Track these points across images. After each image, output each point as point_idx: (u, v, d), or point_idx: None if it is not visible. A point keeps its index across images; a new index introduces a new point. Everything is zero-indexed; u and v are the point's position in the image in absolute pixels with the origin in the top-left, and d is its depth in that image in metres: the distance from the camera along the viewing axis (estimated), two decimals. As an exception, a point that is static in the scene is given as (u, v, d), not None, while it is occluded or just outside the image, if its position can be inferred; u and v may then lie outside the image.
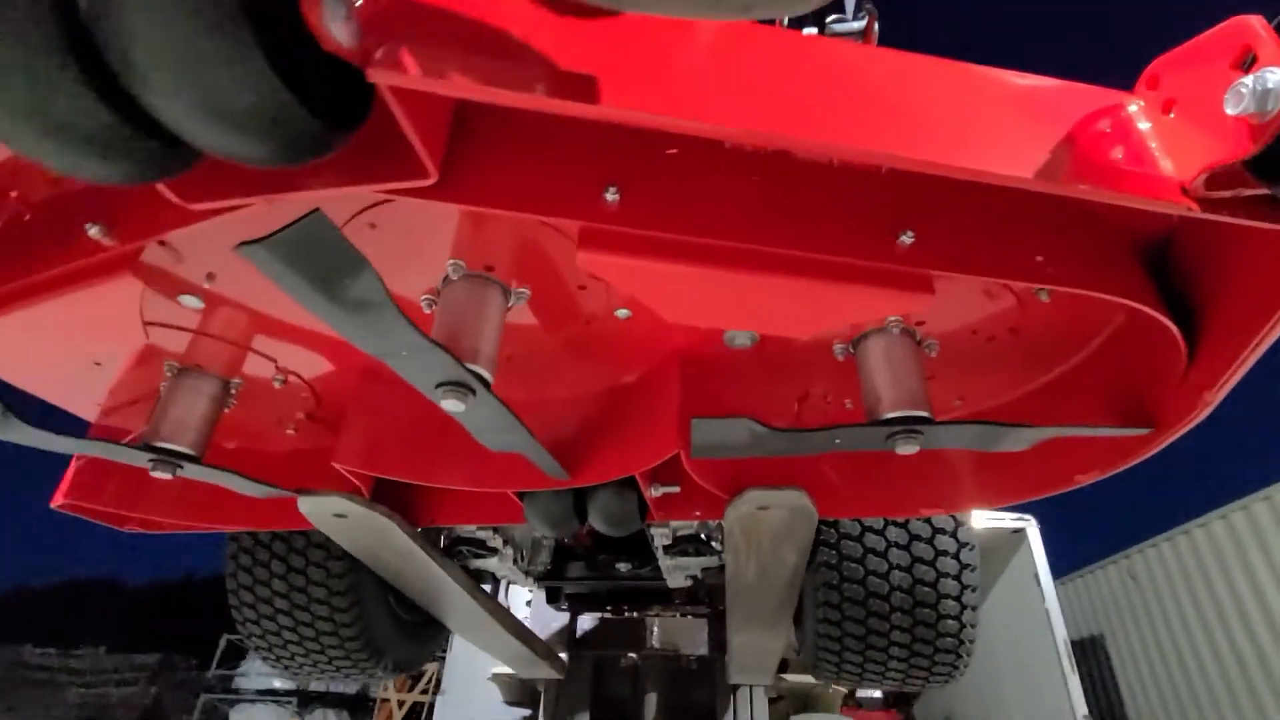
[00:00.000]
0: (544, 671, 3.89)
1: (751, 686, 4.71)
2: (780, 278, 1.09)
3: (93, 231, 1.08)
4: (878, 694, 10.39)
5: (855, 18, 2.66)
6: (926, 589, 2.61)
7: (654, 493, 1.82)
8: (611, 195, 1.00)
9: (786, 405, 1.71)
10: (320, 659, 2.86)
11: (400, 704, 16.76)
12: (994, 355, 1.51)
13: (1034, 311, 1.40)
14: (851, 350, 1.44)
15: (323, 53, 0.69)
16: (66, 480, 1.85)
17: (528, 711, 5.64)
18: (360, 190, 0.94)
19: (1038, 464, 1.55)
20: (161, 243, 1.23)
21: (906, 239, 1.05)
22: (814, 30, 2.68)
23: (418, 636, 3.12)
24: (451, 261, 1.30)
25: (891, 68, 0.96)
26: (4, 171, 1.15)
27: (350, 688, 18.91)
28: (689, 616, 4.94)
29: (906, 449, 1.28)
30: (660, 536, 2.54)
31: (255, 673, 19.03)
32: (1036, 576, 8.59)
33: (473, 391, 1.19)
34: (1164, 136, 0.89)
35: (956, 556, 2.63)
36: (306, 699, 18.46)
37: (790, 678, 5.50)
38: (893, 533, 2.62)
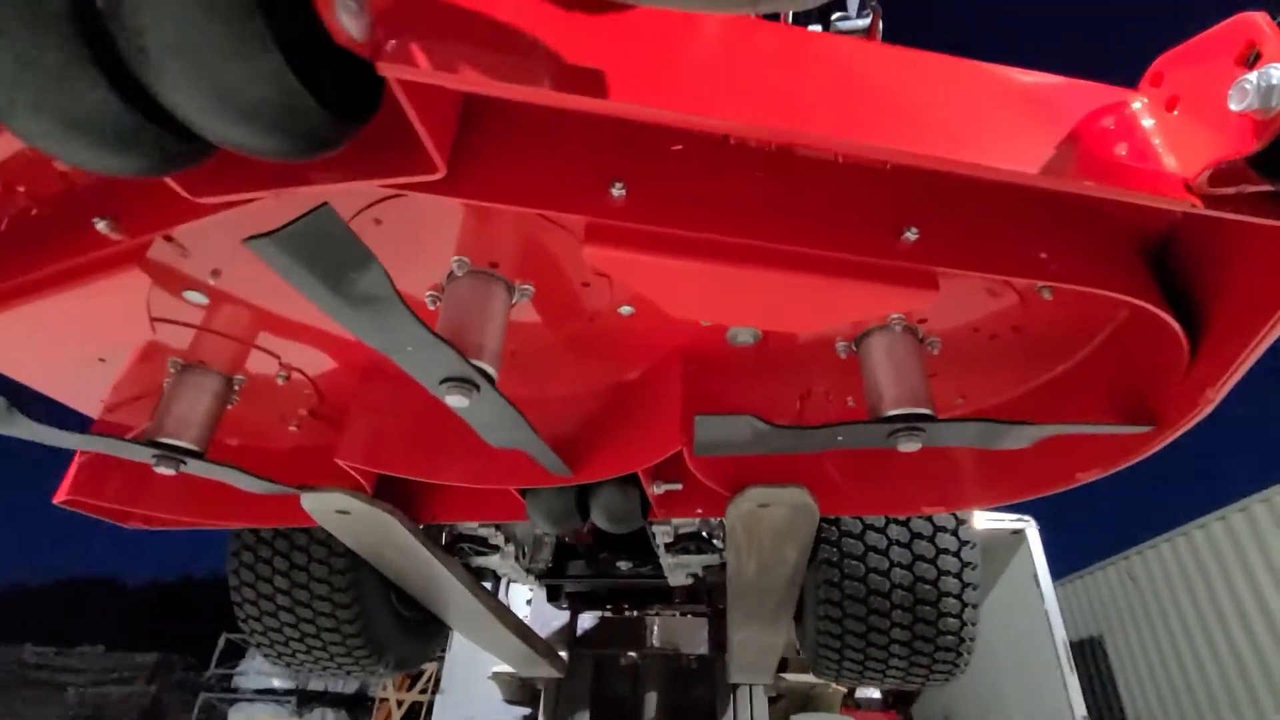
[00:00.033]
0: (544, 670, 3.90)
1: (751, 685, 4.71)
2: (785, 273, 1.10)
3: (100, 226, 1.09)
4: (876, 694, 10.41)
5: (859, 15, 2.67)
6: (927, 587, 2.61)
7: (656, 490, 1.83)
8: (618, 190, 1.00)
9: (788, 403, 1.71)
10: (322, 656, 2.86)
11: (399, 703, 16.75)
12: (996, 353, 1.52)
13: (1036, 309, 1.40)
14: (854, 348, 1.45)
15: (334, 46, 0.69)
16: (69, 477, 1.85)
17: (527, 710, 5.64)
18: (368, 185, 0.95)
19: (1039, 462, 1.55)
20: (167, 238, 1.24)
21: (911, 235, 1.06)
22: (818, 28, 2.69)
23: (419, 634, 3.12)
24: (456, 258, 1.30)
25: (896, 64, 0.97)
26: (11, 166, 1.15)
27: (349, 687, 18.93)
28: (689, 615, 4.94)
29: (908, 446, 1.28)
30: (662, 534, 2.55)
31: (254, 672, 19.06)
32: (1036, 577, 8.60)
33: (477, 387, 1.20)
34: (1168, 133, 0.90)
35: (958, 555, 2.63)
36: (305, 698, 18.47)
37: (790, 677, 5.50)
38: (894, 530, 2.63)
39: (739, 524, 1.79)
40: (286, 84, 0.65)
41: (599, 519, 2.02)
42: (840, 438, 1.34)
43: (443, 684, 8.61)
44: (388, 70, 0.75)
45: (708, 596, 4.58)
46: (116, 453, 1.52)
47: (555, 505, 1.97)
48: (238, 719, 18.01)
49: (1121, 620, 11.50)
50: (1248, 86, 0.78)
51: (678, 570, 2.92)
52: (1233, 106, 0.80)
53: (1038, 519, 8.98)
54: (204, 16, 0.59)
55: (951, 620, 2.67)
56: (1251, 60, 0.80)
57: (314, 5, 0.66)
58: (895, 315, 1.35)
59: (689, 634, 4.93)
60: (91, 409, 1.73)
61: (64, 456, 1.84)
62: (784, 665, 5.25)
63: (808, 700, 5.92)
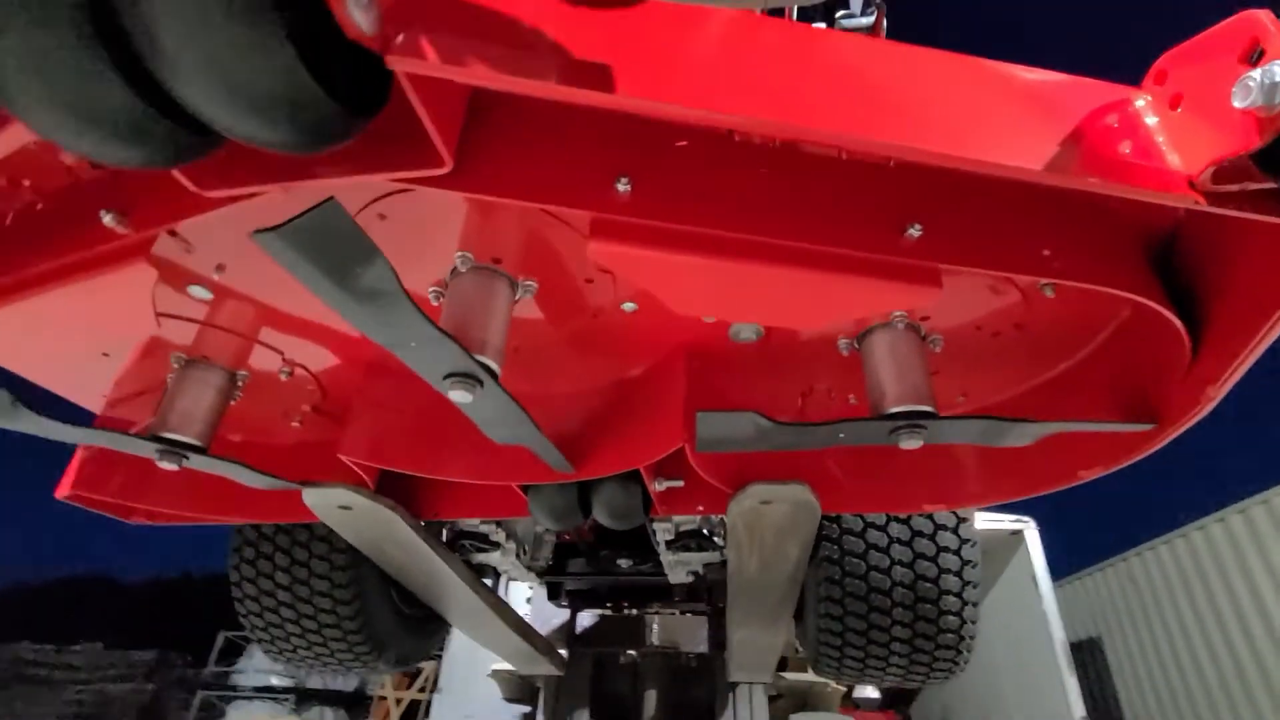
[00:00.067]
0: (544, 668, 3.90)
1: (751, 684, 4.72)
2: (789, 269, 1.10)
3: (107, 219, 1.09)
4: (875, 694, 10.42)
5: (864, 13, 2.68)
6: (928, 585, 2.62)
7: (658, 486, 1.83)
8: (623, 186, 1.01)
9: (791, 400, 1.71)
10: (323, 652, 2.87)
11: (397, 701, 16.75)
12: (998, 351, 1.52)
13: (1039, 307, 1.40)
14: (856, 345, 1.45)
15: (344, 39, 0.70)
16: (71, 471, 1.86)
17: (526, 708, 5.64)
18: (375, 179, 0.95)
19: (1041, 460, 1.55)
20: (172, 233, 1.24)
21: (915, 232, 1.06)
22: (823, 26, 2.70)
23: (419, 631, 3.13)
24: (459, 253, 1.31)
25: (901, 61, 0.97)
26: (17, 161, 1.16)
27: (347, 685, 18.93)
28: (689, 614, 4.95)
29: (910, 443, 1.28)
30: (663, 531, 2.55)
31: (252, 670, 19.06)
32: (1035, 578, 8.62)
33: (480, 383, 1.20)
34: (1171, 131, 0.90)
35: (958, 553, 2.64)
36: (304, 696, 18.47)
37: (789, 676, 5.51)
38: (895, 528, 2.63)
39: (740, 521, 1.80)
40: (299, 78, 0.66)
41: (601, 515, 2.02)
42: (842, 435, 1.34)
43: (441, 683, 8.63)
44: (397, 63, 0.75)
45: (708, 595, 4.59)
46: (120, 447, 1.53)
47: (557, 502, 1.98)
48: (236, 717, 18.01)
49: (1120, 621, 11.51)
50: (1251, 84, 0.78)
51: (678, 568, 2.92)
52: (1236, 104, 0.80)
53: (1037, 520, 8.99)
54: (217, 11, 0.60)
55: (952, 618, 2.68)
56: (1255, 58, 0.80)
57: None
58: (898, 313, 1.35)
59: (689, 632, 4.93)
60: (94, 404, 1.73)
61: (61, 455, 1.85)
62: (783, 664, 5.27)
63: (807, 699, 5.93)
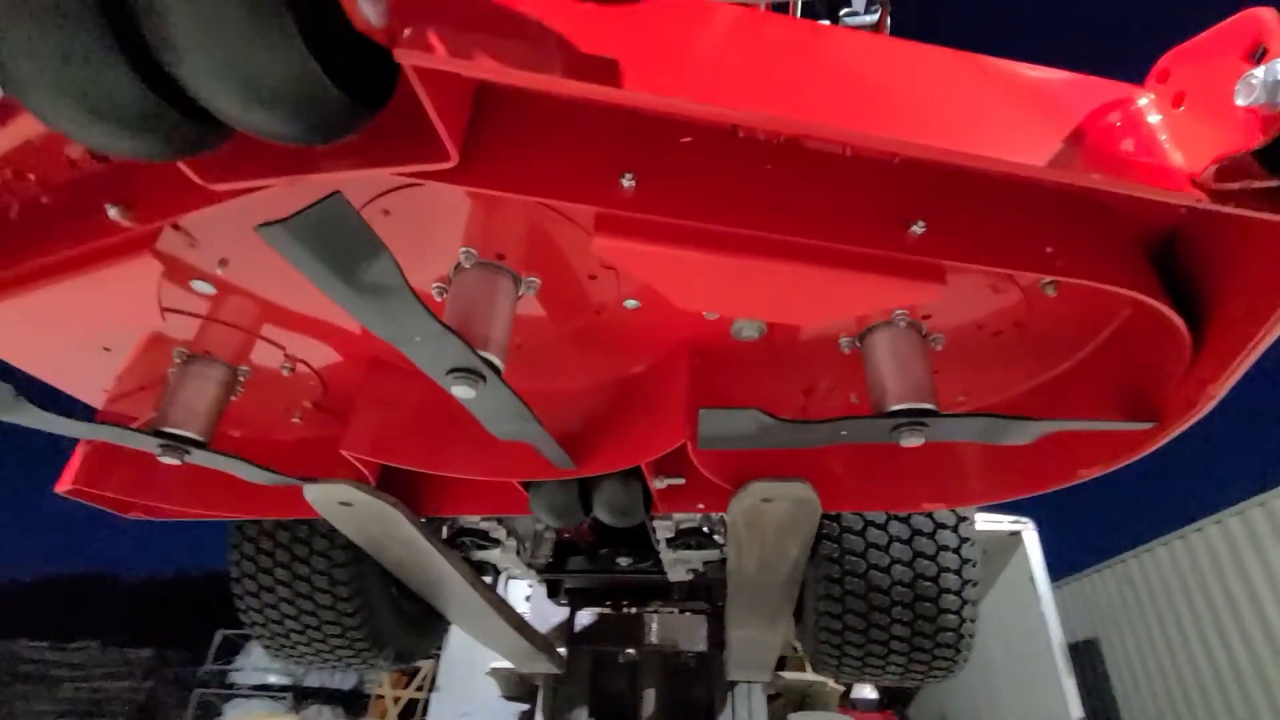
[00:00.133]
0: (543, 666, 3.90)
1: (749, 683, 4.72)
2: (792, 265, 1.11)
3: (112, 212, 1.09)
4: (873, 694, 10.43)
5: (867, 11, 2.68)
6: (928, 583, 2.62)
7: (659, 484, 1.83)
8: (628, 182, 1.01)
9: (792, 398, 1.72)
10: (322, 648, 2.87)
11: (395, 700, 16.75)
12: (999, 350, 1.52)
13: (1040, 306, 1.41)
14: (858, 343, 1.45)
15: (352, 32, 0.70)
16: (72, 466, 1.85)
17: (525, 707, 5.65)
18: (381, 172, 0.95)
19: (1041, 458, 1.56)
20: (176, 227, 1.24)
21: (918, 229, 1.06)
22: (827, 23, 2.70)
23: (419, 628, 3.14)
24: (463, 249, 1.31)
25: (904, 58, 0.98)
26: (21, 154, 1.16)
27: (345, 684, 18.92)
28: (688, 613, 4.96)
29: (911, 441, 1.29)
30: (663, 529, 2.55)
31: (250, 668, 19.06)
32: (1033, 579, 8.64)
33: (483, 378, 1.20)
34: (1174, 129, 0.91)
35: (958, 551, 2.64)
36: (301, 694, 18.46)
37: (788, 675, 5.51)
38: (895, 527, 2.64)
39: (741, 519, 1.80)
40: (308, 70, 0.66)
41: (601, 513, 2.03)
42: (844, 432, 1.34)
43: (439, 681, 8.63)
44: (404, 57, 0.75)
45: (707, 594, 4.60)
46: (122, 441, 1.53)
47: (558, 499, 1.98)
48: (234, 715, 17.99)
49: (1118, 623, 11.54)
50: (1254, 82, 0.78)
51: (678, 566, 2.92)
52: (1239, 102, 0.80)
53: (1035, 521, 9.01)
54: (228, 2, 0.60)
55: (951, 617, 2.68)
56: (1258, 56, 0.81)
57: None
58: (899, 311, 1.36)
59: (688, 631, 4.93)
60: (95, 399, 1.73)
61: (56, 452, 1.85)
62: (782, 663, 5.27)
63: (805, 698, 5.93)
